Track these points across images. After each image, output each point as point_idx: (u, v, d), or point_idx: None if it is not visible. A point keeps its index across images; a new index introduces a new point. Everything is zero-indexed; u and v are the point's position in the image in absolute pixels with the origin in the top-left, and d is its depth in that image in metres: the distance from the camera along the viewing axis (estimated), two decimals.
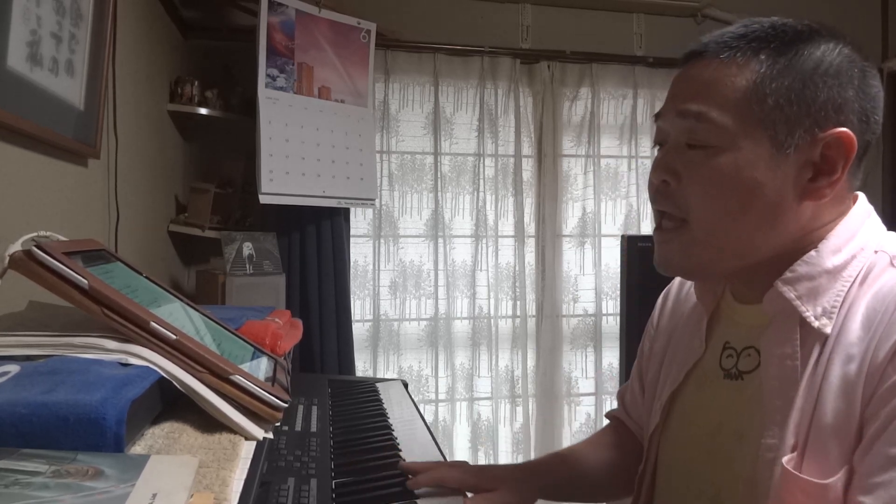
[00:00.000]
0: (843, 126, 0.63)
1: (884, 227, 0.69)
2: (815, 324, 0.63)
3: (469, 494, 0.79)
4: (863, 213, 0.68)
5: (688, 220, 0.67)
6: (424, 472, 0.80)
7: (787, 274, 0.65)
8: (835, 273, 0.64)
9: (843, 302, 0.63)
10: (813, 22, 0.67)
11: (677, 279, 0.90)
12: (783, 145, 0.63)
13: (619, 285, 2.48)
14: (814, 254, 0.64)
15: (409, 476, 0.80)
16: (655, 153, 0.72)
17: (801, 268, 0.64)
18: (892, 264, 0.63)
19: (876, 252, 0.65)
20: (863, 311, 0.61)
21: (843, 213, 0.67)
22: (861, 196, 0.70)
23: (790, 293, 0.64)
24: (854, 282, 0.63)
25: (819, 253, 0.64)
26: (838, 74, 0.63)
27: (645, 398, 0.90)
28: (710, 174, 0.65)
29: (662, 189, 0.69)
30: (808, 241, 0.66)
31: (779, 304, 0.65)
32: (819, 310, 0.63)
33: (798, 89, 0.62)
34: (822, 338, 0.62)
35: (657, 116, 0.72)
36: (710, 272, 0.72)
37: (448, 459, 0.90)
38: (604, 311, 2.58)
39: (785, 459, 0.61)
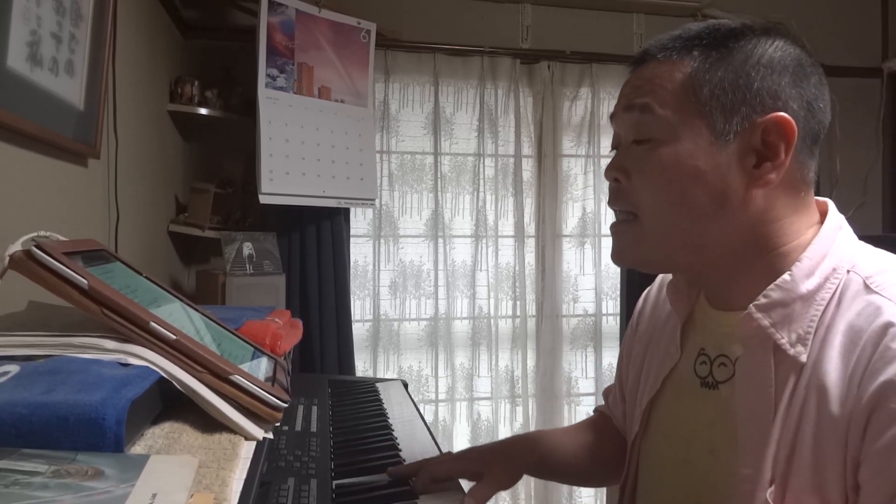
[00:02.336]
0: (782, 111, 0.64)
1: (855, 239, 0.69)
2: (791, 351, 0.63)
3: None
4: (833, 227, 0.68)
5: (638, 214, 0.69)
6: (414, 474, 0.82)
7: (761, 300, 0.64)
8: (808, 298, 0.63)
9: (818, 328, 0.62)
10: (749, 21, 0.69)
11: (657, 281, 0.91)
12: (722, 133, 0.64)
13: (619, 285, 2.49)
14: (787, 278, 0.64)
15: (410, 481, 0.82)
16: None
17: (774, 293, 0.64)
18: (866, 286, 0.62)
19: (848, 272, 0.64)
20: (840, 341, 0.61)
21: (813, 225, 0.67)
22: (831, 206, 0.70)
23: (764, 320, 0.64)
24: (828, 305, 0.63)
25: (793, 277, 0.64)
26: (770, 64, 0.65)
27: (626, 403, 0.91)
28: (653, 166, 0.67)
29: (615, 187, 0.72)
30: (765, 233, 0.66)
31: (753, 328, 0.65)
32: (794, 336, 0.63)
33: (731, 79, 0.65)
34: (798, 366, 0.62)
35: (611, 118, 0.75)
36: (664, 264, 0.75)
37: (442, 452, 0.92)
38: (604, 311, 2.58)
39: (768, 494, 0.61)
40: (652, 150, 0.67)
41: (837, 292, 0.63)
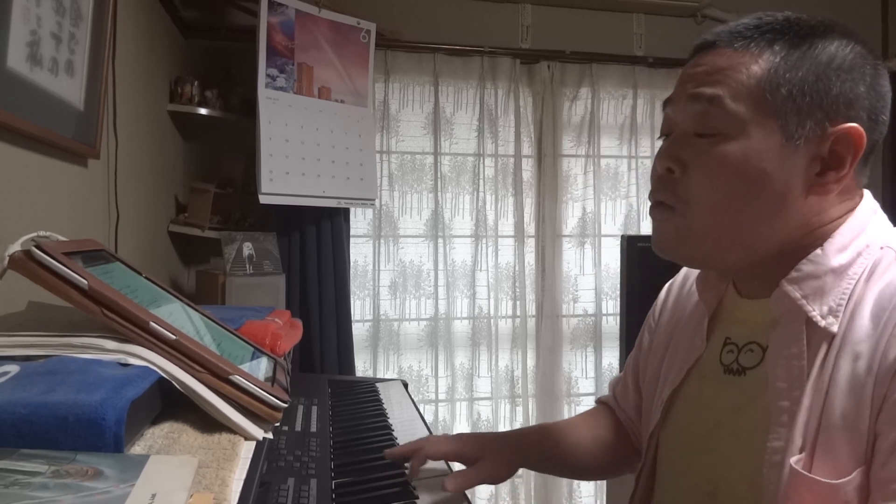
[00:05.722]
0: (853, 121, 0.62)
1: (890, 225, 0.69)
2: (822, 323, 0.62)
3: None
4: (869, 210, 0.68)
5: (687, 206, 0.66)
6: (410, 453, 0.83)
7: (793, 273, 0.64)
8: (840, 272, 0.63)
9: (849, 300, 0.62)
10: (826, 18, 0.66)
11: (681, 274, 0.90)
12: (794, 137, 0.62)
13: (618, 285, 2.48)
14: (819, 252, 0.64)
15: (406, 468, 0.83)
16: (660, 144, 0.71)
17: (806, 267, 0.64)
18: None
19: (882, 248, 0.64)
20: (871, 308, 0.61)
21: (849, 210, 0.67)
22: (867, 193, 0.70)
23: (796, 293, 0.64)
24: (859, 279, 0.63)
25: (824, 252, 0.64)
26: (851, 70, 0.63)
27: (644, 394, 0.90)
28: (717, 162, 0.64)
29: (665, 178, 0.68)
30: (814, 237, 0.66)
31: (785, 304, 0.65)
32: (825, 309, 0.63)
33: (811, 81, 0.62)
34: (829, 337, 0.62)
35: (666, 104, 0.71)
36: (708, 261, 0.71)
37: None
38: (604, 311, 2.58)
39: (793, 460, 0.60)
40: (717, 144, 0.64)
41: (869, 266, 0.63)
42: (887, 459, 0.56)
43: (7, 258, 0.65)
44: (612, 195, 2.58)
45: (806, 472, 0.60)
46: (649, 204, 0.72)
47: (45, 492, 0.44)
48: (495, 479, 0.84)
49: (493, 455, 0.84)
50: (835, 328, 0.62)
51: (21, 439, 0.52)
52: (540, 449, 0.90)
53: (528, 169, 2.52)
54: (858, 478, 0.58)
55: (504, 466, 0.85)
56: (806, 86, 0.62)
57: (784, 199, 0.64)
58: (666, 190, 0.68)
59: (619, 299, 2.45)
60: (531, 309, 2.52)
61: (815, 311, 0.63)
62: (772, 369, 0.66)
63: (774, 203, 0.64)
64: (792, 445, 0.61)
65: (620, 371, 2.47)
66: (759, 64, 0.63)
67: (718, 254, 0.68)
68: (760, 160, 0.63)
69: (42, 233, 0.74)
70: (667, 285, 0.92)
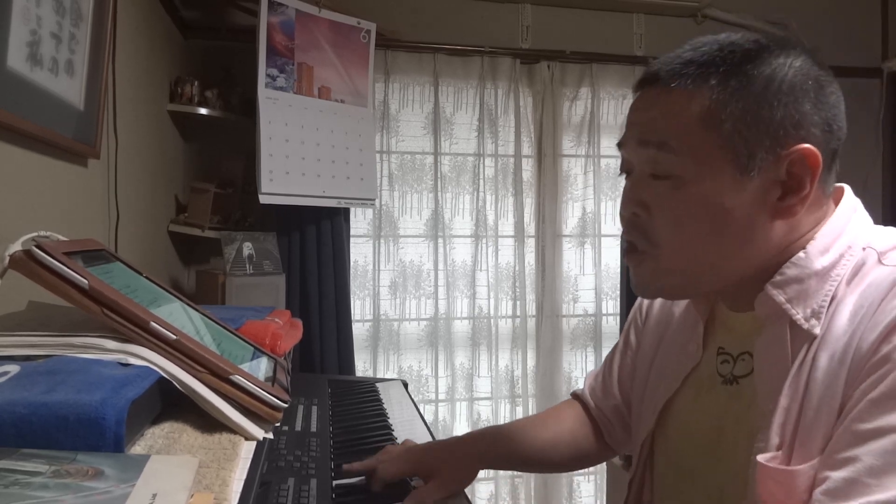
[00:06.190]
0: (806, 141, 0.62)
1: (871, 221, 0.69)
2: (805, 325, 0.63)
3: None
4: (849, 209, 0.68)
5: (658, 248, 0.67)
6: (368, 471, 0.83)
7: (777, 277, 0.65)
8: (823, 274, 0.64)
9: (831, 302, 0.63)
10: (761, 37, 0.65)
11: None
12: (746, 168, 0.62)
13: (618, 285, 2.48)
14: (802, 255, 0.64)
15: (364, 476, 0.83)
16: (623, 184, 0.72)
17: (790, 270, 0.64)
18: (879, 261, 0.63)
19: (864, 249, 0.64)
20: (850, 309, 0.61)
21: (824, 216, 0.67)
22: (847, 190, 0.70)
23: (780, 296, 0.64)
24: (842, 281, 0.63)
25: (808, 254, 0.64)
26: (792, 90, 0.62)
27: (632, 398, 0.90)
28: (677, 205, 0.65)
29: (633, 221, 0.69)
30: (789, 252, 0.66)
31: (769, 307, 0.65)
32: (808, 311, 0.63)
33: (753, 111, 0.62)
34: (811, 338, 0.62)
35: (619, 145, 0.71)
36: (689, 294, 0.74)
37: (392, 445, 0.92)
38: (604, 311, 2.58)
39: (761, 457, 0.61)
40: (675, 187, 0.65)
41: (852, 268, 0.64)
42: (836, 432, 0.57)
43: (7, 258, 0.65)
44: (612, 195, 2.58)
45: (770, 465, 0.60)
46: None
47: (45, 492, 0.44)
48: (457, 486, 0.84)
49: (449, 464, 0.84)
50: (817, 330, 0.62)
51: (21, 439, 0.52)
52: (496, 450, 0.91)
53: (528, 169, 2.52)
54: (819, 463, 0.58)
55: (463, 471, 0.85)
56: (748, 116, 0.62)
57: (751, 230, 0.64)
58: (636, 232, 0.69)
59: (619, 299, 2.45)
60: (531, 309, 2.52)
61: (799, 314, 0.63)
62: (758, 373, 0.66)
63: (741, 235, 0.64)
64: (769, 445, 0.62)
65: None
66: (697, 101, 0.63)
67: (695, 285, 0.69)
68: (718, 197, 0.63)
69: (42, 233, 0.74)
70: None
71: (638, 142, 0.67)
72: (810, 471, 0.58)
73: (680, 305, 0.84)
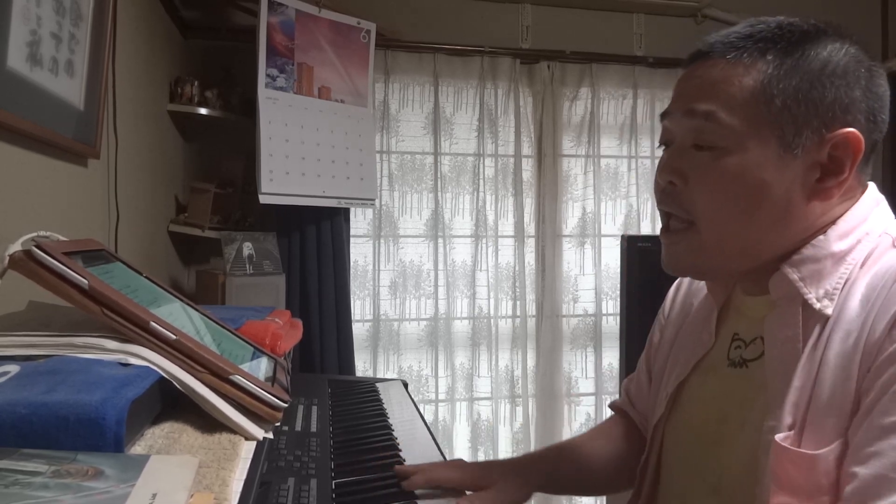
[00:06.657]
0: (851, 126, 0.63)
1: (892, 215, 0.69)
2: (817, 305, 0.63)
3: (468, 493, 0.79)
4: (872, 201, 0.68)
5: (695, 222, 0.67)
6: (420, 473, 0.80)
7: (794, 257, 0.65)
8: (839, 257, 0.64)
9: (845, 284, 0.63)
10: (819, 21, 0.66)
11: None
12: (791, 146, 0.63)
13: (619, 285, 2.48)
14: (822, 238, 0.65)
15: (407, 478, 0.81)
16: (660, 153, 0.72)
17: (807, 251, 0.65)
18: (893, 245, 0.64)
19: (880, 235, 0.65)
20: (862, 290, 0.62)
21: (852, 206, 0.67)
22: (871, 185, 0.70)
23: (794, 274, 0.64)
24: (857, 264, 0.64)
25: (827, 237, 0.65)
26: (845, 74, 0.63)
27: (651, 388, 0.90)
28: (717, 176, 0.65)
29: (669, 190, 0.69)
30: (815, 236, 0.66)
31: (783, 287, 0.66)
32: (821, 292, 0.63)
33: (805, 90, 0.62)
34: (824, 319, 0.63)
35: (663, 116, 0.71)
36: (719, 273, 0.73)
37: (448, 459, 0.90)
38: (604, 312, 2.58)
39: (779, 436, 0.61)
40: (716, 158, 0.65)
41: (867, 252, 0.64)
42: (861, 424, 0.57)
43: (7, 258, 0.65)
44: (612, 195, 2.58)
45: (787, 445, 0.60)
46: (651, 207, 0.73)
47: (45, 492, 0.44)
48: (510, 502, 0.81)
49: (506, 481, 0.81)
50: (829, 311, 0.62)
51: (21, 439, 0.52)
52: (554, 471, 0.88)
53: (528, 169, 2.52)
54: (838, 448, 0.58)
55: (518, 492, 0.82)
56: (800, 94, 0.62)
57: (786, 208, 0.64)
58: (672, 202, 0.69)
59: (619, 299, 2.45)
60: (531, 309, 2.52)
61: (812, 294, 0.63)
62: (769, 352, 0.66)
63: (777, 212, 0.64)
64: (782, 424, 0.62)
65: (620, 372, 2.46)
66: (751, 75, 0.63)
67: (728, 263, 0.69)
68: (759, 171, 0.63)
69: (42, 233, 0.74)
70: (676, 282, 0.93)
71: (684, 112, 0.67)
72: (830, 455, 0.58)
73: (699, 297, 0.84)
